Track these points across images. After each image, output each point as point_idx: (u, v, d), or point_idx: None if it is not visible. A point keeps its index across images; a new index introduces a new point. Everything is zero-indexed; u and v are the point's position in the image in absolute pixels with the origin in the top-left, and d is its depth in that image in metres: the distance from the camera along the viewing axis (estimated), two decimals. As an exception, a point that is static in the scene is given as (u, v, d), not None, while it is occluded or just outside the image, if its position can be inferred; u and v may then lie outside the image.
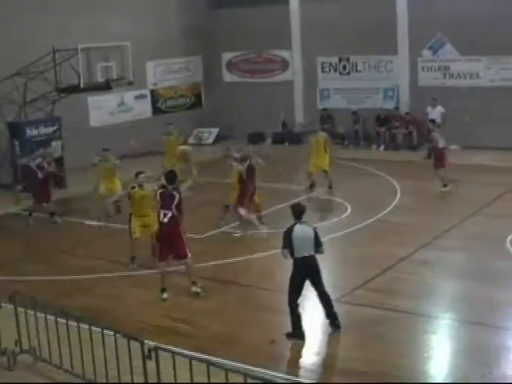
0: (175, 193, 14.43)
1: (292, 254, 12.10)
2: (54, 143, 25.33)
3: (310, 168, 22.83)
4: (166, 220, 14.25)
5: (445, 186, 22.15)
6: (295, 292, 12.26)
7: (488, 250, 16.31)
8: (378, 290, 14.38)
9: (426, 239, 17.24)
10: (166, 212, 14.26)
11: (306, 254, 12.06)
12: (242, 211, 18.17)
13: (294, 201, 12.73)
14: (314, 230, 12.27)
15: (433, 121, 24.54)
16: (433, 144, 23.00)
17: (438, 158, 22.49)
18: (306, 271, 12.17)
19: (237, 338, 12.42)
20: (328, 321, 12.57)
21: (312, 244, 12.11)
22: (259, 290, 14.67)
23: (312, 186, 22.87)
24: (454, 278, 14.96)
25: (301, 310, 12.38)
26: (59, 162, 24.11)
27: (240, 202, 18.28)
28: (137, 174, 16.43)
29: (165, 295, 14.37)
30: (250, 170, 18.54)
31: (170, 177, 14.76)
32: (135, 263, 16.45)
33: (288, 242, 12.08)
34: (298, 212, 12.36)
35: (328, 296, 12.51)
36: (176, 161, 21.88)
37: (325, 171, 22.79)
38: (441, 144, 22.54)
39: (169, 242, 14.31)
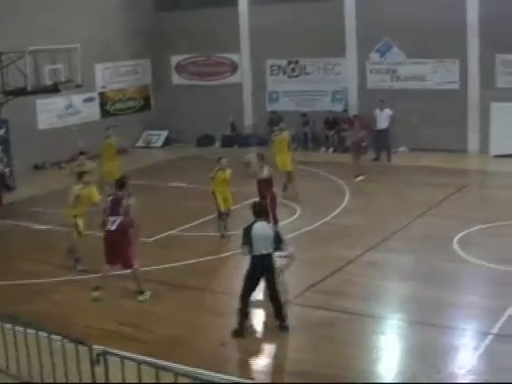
0: (124, 199, 14.28)
1: (250, 251, 12.15)
2: None
3: (281, 167, 22.67)
4: (113, 227, 14.08)
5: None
6: (249, 288, 12.36)
7: (435, 251, 16.49)
8: (328, 291, 14.44)
9: (375, 241, 17.36)
10: (115, 218, 14.11)
11: (264, 252, 12.13)
12: None
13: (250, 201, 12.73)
14: (274, 227, 12.48)
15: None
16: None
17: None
18: (262, 269, 12.23)
19: (186, 341, 12.37)
20: (277, 322, 12.59)
21: (271, 242, 12.16)
22: (208, 293, 14.64)
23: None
24: (402, 280, 15.10)
25: (250, 309, 12.49)
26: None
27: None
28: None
29: (95, 294, 14.20)
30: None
31: (120, 182, 14.63)
32: (79, 265, 16.30)
33: (247, 239, 12.14)
34: (258, 210, 12.46)
35: (278, 298, 12.53)
36: (112, 166, 21.70)
37: (288, 172, 22.82)
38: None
39: (114, 250, 14.11)
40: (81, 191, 16.21)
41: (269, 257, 12.21)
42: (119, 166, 22.50)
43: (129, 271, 14.40)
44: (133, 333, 12.79)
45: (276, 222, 17.03)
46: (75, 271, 16.13)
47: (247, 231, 12.21)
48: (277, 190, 18.59)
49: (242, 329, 12.34)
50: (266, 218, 12.84)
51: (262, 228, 12.22)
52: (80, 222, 16.33)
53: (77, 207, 16.30)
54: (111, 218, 14.15)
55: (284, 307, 12.69)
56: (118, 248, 14.11)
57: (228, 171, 18.37)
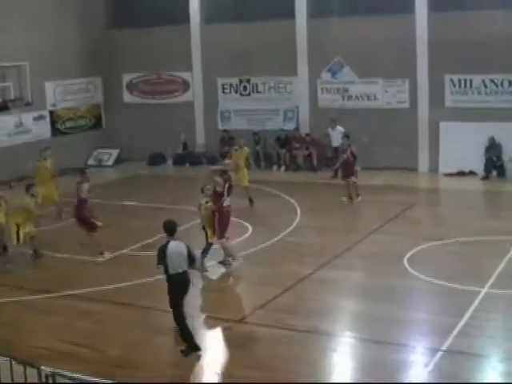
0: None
1: (166, 270, 12.30)
2: None
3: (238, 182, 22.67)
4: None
5: (358, 195, 23.43)
6: (178, 306, 12.43)
7: (386, 268, 16.61)
8: (279, 309, 14.43)
9: (326, 258, 17.42)
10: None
11: (181, 270, 12.30)
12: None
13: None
14: (187, 246, 12.51)
15: (347, 136, 24.87)
16: (352, 157, 23.68)
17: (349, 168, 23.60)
18: (181, 286, 12.39)
19: (136, 361, 12.26)
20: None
21: (185, 260, 12.36)
22: (158, 312, 14.53)
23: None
24: (354, 297, 15.19)
25: (189, 323, 12.54)
26: None
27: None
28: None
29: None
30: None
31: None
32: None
33: (162, 259, 12.28)
34: (169, 229, 12.55)
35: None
36: (45, 190, 21.46)
37: (245, 187, 22.98)
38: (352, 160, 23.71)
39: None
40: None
41: (185, 274, 12.42)
42: (54, 189, 22.19)
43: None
44: (84, 353, 12.63)
45: (221, 236, 16.96)
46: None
47: (162, 251, 12.35)
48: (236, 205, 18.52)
49: (191, 345, 12.37)
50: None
51: (176, 247, 12.37)
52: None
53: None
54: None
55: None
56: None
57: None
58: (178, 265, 12.29)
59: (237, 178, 22.32)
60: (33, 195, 17.35)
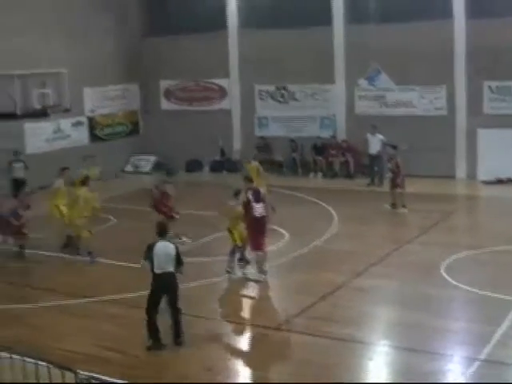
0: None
1: (152, 268, 12.62)
2: (15, 165, 25.72)
3: None
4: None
5: (403, 206, 23.07)
6: (153, 306, 12.77)
7: (423, 276, 16.49)
8: (315, 317, 14.41)
9: (363, 266, 17.35)
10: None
11: (165, 270, 12.63)
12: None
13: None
14: (176, 248, 12.83)
15: (394, 147, 24.60)
16: (397, 169, 23.41)
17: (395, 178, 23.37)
18: (164, 286, 12.70)
19: (170, 366, 12.31)
20: (172, 336, 12.96)
21: (172, 261, 12.71)
22: (192, 318, 14.56)
23: None
24: (390, 305, 15.10)
25: (159, 323, 12.82)
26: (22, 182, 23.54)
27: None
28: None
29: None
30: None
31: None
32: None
33: (148, 255, 12.67)
34: (160, 230, 13.00)
35: (178, 316, 12.96)
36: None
37: None
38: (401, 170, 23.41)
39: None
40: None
41: (170, 275, 12.71)
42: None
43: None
44: (116, 357, 12.70)
45: (253, 247, 16.72)
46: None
47: (149, 248, 12.74)
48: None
49: (157, 343, 12.76)
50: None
51: (164, 247, 12.73)
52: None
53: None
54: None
55: (181, 324, 13.03)
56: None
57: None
58: (164, 264, 12.61)
59: None
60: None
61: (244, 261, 17.32)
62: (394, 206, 23.32)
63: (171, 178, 21.51)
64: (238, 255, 17.28)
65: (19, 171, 25.89)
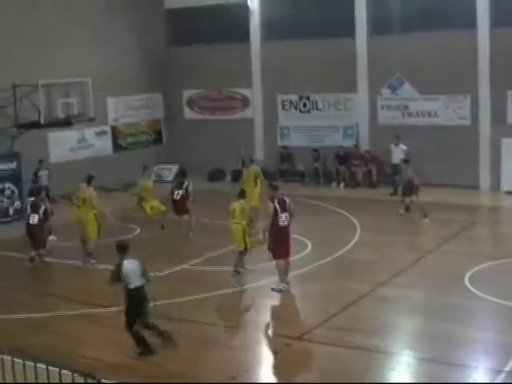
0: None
1: (126, 286, 13.09)
2: (41, 173, 25.89)
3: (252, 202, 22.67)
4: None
5: (424, 216, 23.04)
6: (132, 318, 13.14)
7: (447, 286, 16.41)
8: (338, 327, 14.36)
9: (386, 276, 17.29)
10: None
11: (138, 284, 13.11)
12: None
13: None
14: (140, 262, 13.34)
15: (406, 161, 24.78)
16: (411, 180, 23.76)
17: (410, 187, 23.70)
18: (138, 299, 13.12)
19: (194, 375, 12.31)
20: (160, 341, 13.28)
21: (139, 275, 13.18)
22: (217, 328, 14.57)
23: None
24: (414, 316, 15.02)
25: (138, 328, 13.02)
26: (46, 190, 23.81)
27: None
28: None
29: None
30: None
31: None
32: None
33: (118, 276, 13.11)
34: (121, 248, 13.34)
35: (148, 325, 13.28)
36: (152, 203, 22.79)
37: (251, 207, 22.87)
38: (415, 181, 23.76)
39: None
40: None
41: (142, 288, 13.18)
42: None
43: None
44: (141, 366, 12.72)
45: (274, 256, 16.69)
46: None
47: (118, 269, 13.12)
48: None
49: (147, 348, 13.12)
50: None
51: (130, 263, 13.14)
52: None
53: None
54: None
55: (157, 327, 13.32)
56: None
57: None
58: (134, 280, 13.08)
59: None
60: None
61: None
62: (407, 209, 23.85)
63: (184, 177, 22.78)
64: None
65: (45, 179, 26.05)
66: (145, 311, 13.18)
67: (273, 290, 16.51)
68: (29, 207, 20.13)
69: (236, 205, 18.10)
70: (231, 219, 18.09)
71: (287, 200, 16.77)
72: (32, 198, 20.77)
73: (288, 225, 16.66)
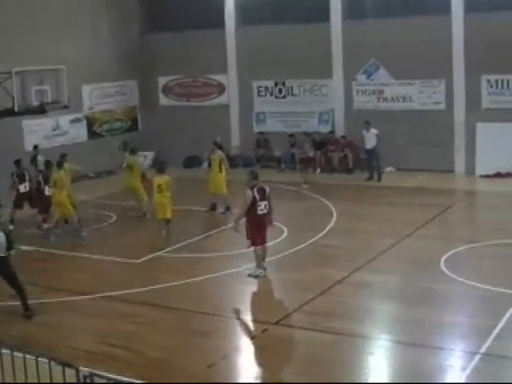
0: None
1: None
2: (39, 157, 25.96)
3: (211, 188, 23.02)
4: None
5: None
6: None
7: (423, 271, 16.51)
8: (315, 312, 14.41)
9: (362, 261, 17.35)
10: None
11: (2, 255, 14.35)
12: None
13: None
14: (6, 234, 14.64)
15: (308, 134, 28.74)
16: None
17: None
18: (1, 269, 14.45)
19: (174, 363, 12.32)
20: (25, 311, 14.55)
21: (3, 248, 14.36)
22: (195, 314, 14.58)
23: (213, 208, 23.15)
24: (390, 300, 15.10)
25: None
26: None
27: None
28: None
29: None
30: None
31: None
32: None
33: None
34: None
35: (21, 291, 14.70)
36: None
37: (213, 193, 23.12)
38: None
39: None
40: None
41: (4, 259, 14.39)
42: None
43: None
44: (121, 355, 12.71)
45: (252, 243, 16.61)
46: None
47: None
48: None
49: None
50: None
51: None
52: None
53: None
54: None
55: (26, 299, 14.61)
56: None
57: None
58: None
59: (212, 185, 22.83)
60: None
61: None
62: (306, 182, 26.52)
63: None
64: None
65: (41, 164, 25.78)
66: (10, 281, 14.54)
67: (249, 275, 16.53)
68: (16, 178, 22.01)
69: (161, 180, 19.45)
70: (158, 193, 19.36)
71: (267, 188, 16.62)
72: (16, 170, 22.37)
73: (268, 213, 16.57)
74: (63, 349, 12.66)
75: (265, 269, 16.65)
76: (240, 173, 23.72)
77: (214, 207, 22.97)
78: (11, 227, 21.32)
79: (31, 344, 12.06)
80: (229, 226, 18.85)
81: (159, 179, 19.50)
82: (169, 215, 19.43)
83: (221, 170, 22.91)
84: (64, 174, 21.29)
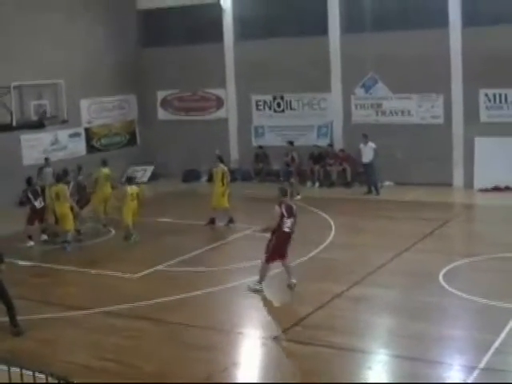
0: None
1: None
2: (46, 169, 25.89)
3: (213, 203, 22.97)
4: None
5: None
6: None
7: (421, 285, 16.48)
8: (314, 326, 14.36)
9: (361, 275, 17.31)
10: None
11: None
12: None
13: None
14: None
15: (291, 142, 29.06)
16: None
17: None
18: None
19: (170, 377, 12.26)
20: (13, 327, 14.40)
21: None
22: (191, 328, 14.52)
23: (212, 222, 23.05)
24: (388, 314, 15.07)
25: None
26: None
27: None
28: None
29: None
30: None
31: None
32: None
33: None
34: None
35: (10, 305, 14.52)
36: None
37: (213, 208, 23.03)
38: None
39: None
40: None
41: None
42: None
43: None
44: (118, 369, 12.66)
45: (268, 259, 16.49)
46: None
47: None
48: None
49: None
50: None
51: None
52: None
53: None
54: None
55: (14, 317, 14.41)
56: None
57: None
58: None
59: (214, 199, 22.81)
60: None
61: None
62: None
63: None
64: None
65: (49, 176, 25.71)
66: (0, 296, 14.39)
67: (249, 288, 16.48)
68: (30, 195, 21.80)
69: (134, 189, 21.70)
70: (131, 201, 21.38)
71: (294, 206, 16.68)
72: (28, 187, 22.16)
73: (292, 231, 16.53)
74: (59, 363, 12.59)
75: (294, 284, 16.45)
76: (237, 186, 23.85)
77: (212, 221, 22.93)
78: (32, 243, 21.67)
79: (27, 359, 11.98)
80: (228, 239, 18.80)
81: (132, 189, 21.60)
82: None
83: (223, 184, 22.88)
84: (66, 187, 21.33)
